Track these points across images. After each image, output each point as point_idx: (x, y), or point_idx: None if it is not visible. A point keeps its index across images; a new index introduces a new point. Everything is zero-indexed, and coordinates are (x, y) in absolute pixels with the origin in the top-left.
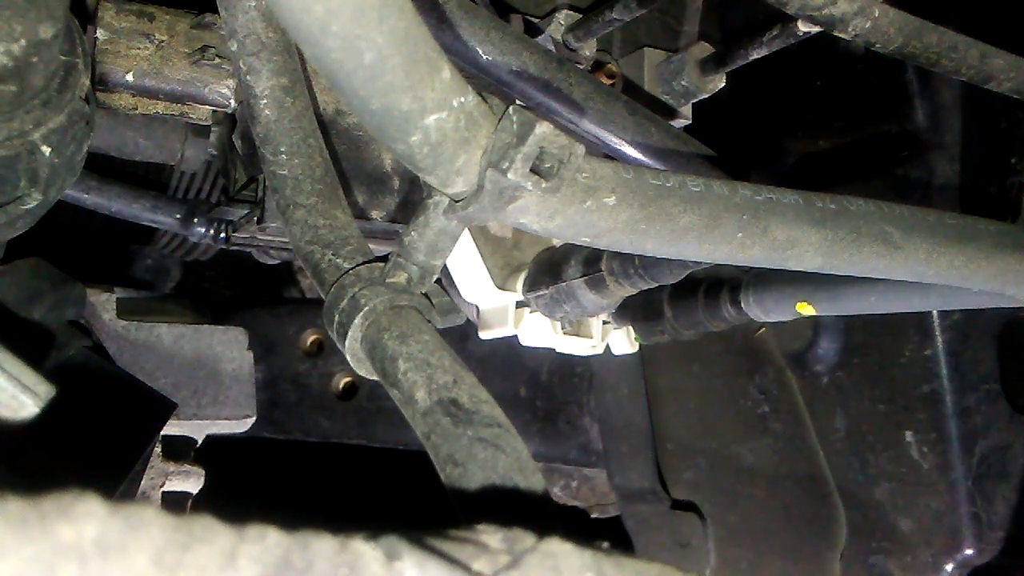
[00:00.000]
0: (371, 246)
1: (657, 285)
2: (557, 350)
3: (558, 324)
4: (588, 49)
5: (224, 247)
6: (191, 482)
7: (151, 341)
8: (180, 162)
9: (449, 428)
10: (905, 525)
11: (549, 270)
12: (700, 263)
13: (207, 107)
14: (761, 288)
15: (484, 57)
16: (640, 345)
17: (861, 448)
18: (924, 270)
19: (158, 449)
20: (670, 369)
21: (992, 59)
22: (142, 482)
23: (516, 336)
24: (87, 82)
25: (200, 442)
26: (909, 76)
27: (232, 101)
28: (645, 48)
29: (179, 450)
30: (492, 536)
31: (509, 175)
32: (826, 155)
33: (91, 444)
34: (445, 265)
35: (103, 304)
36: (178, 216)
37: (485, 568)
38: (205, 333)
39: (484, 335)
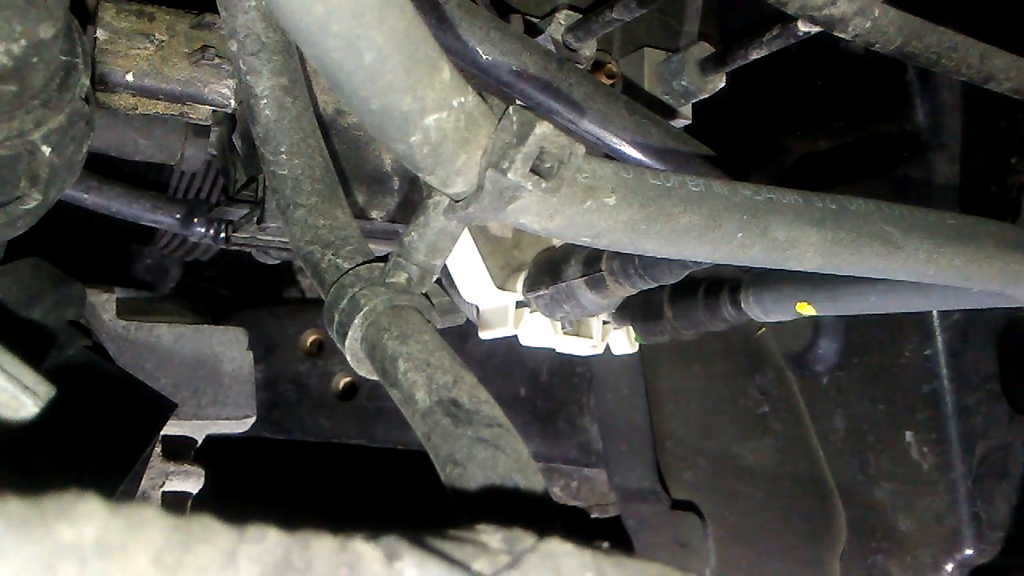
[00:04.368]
0: (371, 246)
1: (657, 285)
2: (557, 350)
3: (558, 324)
4: (588, 49)
5: (224, 247)
6: (191, 482)
7: (151, 341)
8: (180, 162)
9: (449, 428)
10: (905, 525)
11: (549, 270)
12: (700, 263)
13: (207, 107)
14: (761, 288)
15: (484, 57)
16: (640, 345)
17: (861, 448)
18: (924, 270)
19: (158, 449)
20: (670, 369)
21: (992, 59)
22: (142, 482)
23: (516, 336)
24: (87, 82)
25: (200, 442)
26: (909, 76)
27: (232, 101)
28: (645, 48)
29: (179, 450)
30: (492, 536)
31: (509, 175)
32: (826, 155)
33: (91, 444)
34: (445, 265)
35: (103, 304)
36: (178, 216)
37: (485, 568)
38: (205, 333)
39: (484, 335)
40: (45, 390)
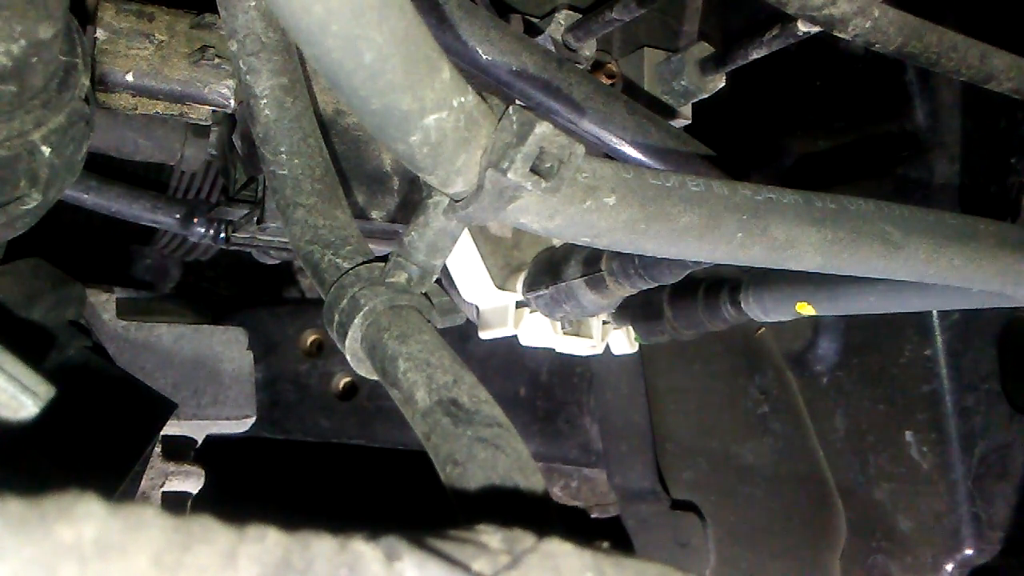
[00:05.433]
0: (371, 246)
1: (657, 285)
2: (557, 350)
3: (558, 324)
4: (588, 49)
5: (224, 247)
6: (191, 482)
7: (151, 341)
8: (180, 162)
9: (449, 428)
10: (905, 525)
11: (549, 270)
12: (700, 263)
13: (207, 107)
14: (761, 288)
15: (484, 57)
16: (640, 345)
17: (861, 448)
18: (924, 270)
19: (158, 449)
20: (670, 369)
21: (992, 59)
22: (142, 482)
23: (516, 336)
24: (87, 82)
25: (200, 442)
26: (909, 76)
27: (232, 101)
28: (645, 48)
29: (179, 450)
30: (492, 536)
31: (509, 175)
32: (826, 155)
33: (91, 444)
34: (445, 265)
35: (103, 304)
36: (178, 216)
37: (485, 568)
38: (205, 333)
39: (484, 335)
40: (45, 390)
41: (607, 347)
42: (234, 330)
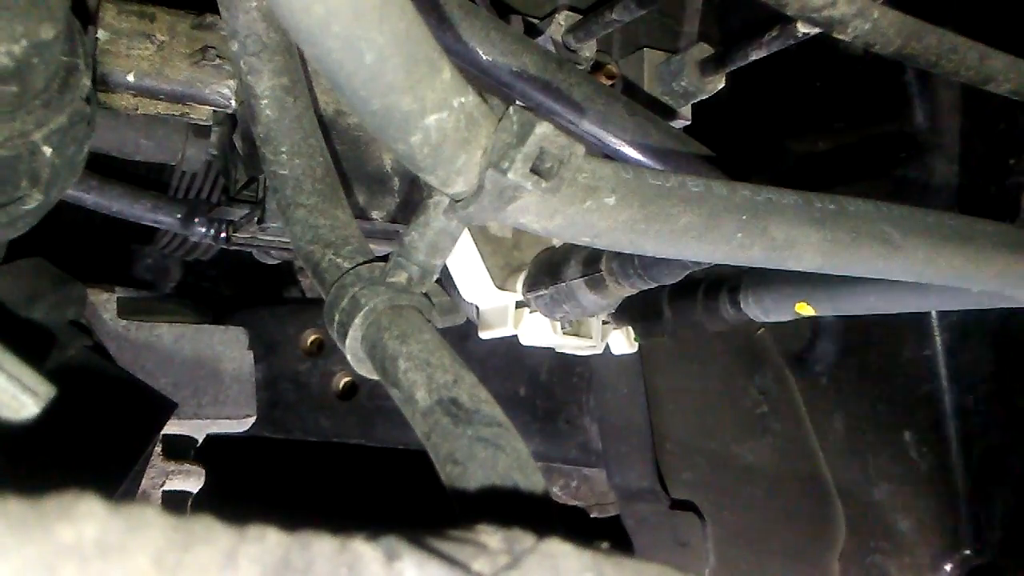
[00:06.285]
0: (371, 246)
1: (656, 285)
2: (557, 350)
3: (558, 324)
4: (588, 50)
5: (225, 247)
6: (191, 481)
7: (151, 341)
8: (181, 162)
9: (449, 427)
10: (904, 525)
11: (549, 270)
12: (699, 263)
13: (208, 107)
14: (760, 288)
15: (484, 58)
16: (639, 345)
17: (860, 448)
18: (923, 270)
19: (158, 448)
20: (669, 369)
21: (991, 60)
22: (143, 481)
23: (516, 336)
24: (88, 83)
25: (200, 441)
26: (908, 77)
27: (233, 101)
28: (645, 49)
29: (179, 449)
30: (492, 536)
31: (509, 175)
32: (825, 156)
33: (92, 444)
34: (445, 265)
35: (104, 304)
36: (179, 216)
37: (485, 568)
38: (205, 333)
39: (484, 335)
40: (45, 390)
41: (607, 347)
42: (234, 330)
